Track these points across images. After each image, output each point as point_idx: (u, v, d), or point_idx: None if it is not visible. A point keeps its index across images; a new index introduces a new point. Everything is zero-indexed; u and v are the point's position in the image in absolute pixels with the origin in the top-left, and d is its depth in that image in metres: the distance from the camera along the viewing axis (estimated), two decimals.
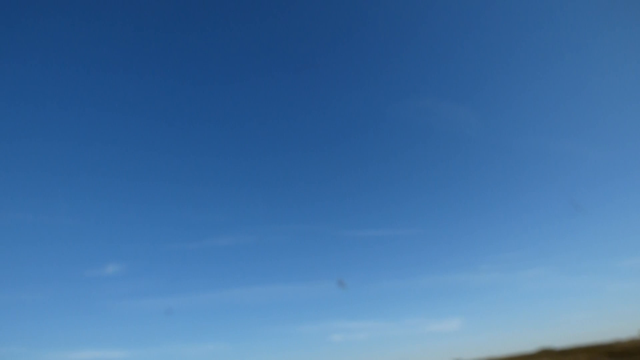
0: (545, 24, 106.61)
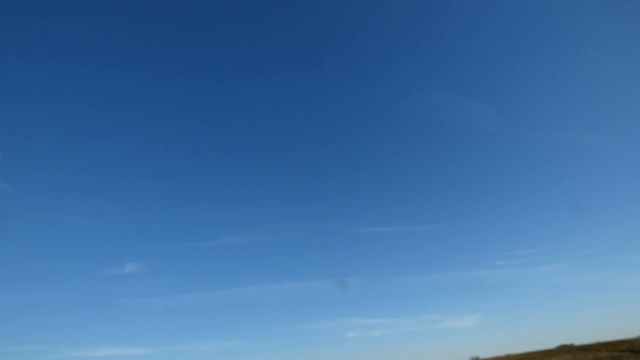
0: (560, 14, 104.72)
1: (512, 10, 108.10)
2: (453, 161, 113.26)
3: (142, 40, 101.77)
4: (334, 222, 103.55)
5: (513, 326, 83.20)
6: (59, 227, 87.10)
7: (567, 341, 60.69)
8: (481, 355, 65.72)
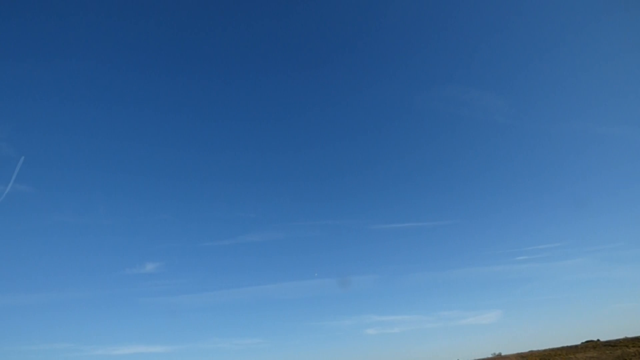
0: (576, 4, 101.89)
1: (526, 1, 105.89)
2: (470, 155, 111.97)
3: (158, 41, 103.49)
4: (351, 220, 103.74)
5: (536, 322, 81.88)
6: (81, 228, 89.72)
7: (592, 337, 59.32)
8: (503, 352, 64.83)
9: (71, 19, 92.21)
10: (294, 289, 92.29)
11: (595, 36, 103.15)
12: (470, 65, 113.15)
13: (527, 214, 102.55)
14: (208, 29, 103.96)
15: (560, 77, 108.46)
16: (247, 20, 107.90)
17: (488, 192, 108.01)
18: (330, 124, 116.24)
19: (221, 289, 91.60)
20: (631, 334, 58.39)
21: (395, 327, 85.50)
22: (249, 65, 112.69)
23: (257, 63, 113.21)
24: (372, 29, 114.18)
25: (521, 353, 62.38)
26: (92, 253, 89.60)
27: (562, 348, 58.24)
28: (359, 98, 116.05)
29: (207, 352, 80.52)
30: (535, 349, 63.37)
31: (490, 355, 65.94)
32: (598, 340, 58.47)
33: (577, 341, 61.27)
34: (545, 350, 60.18)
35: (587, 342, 59.42)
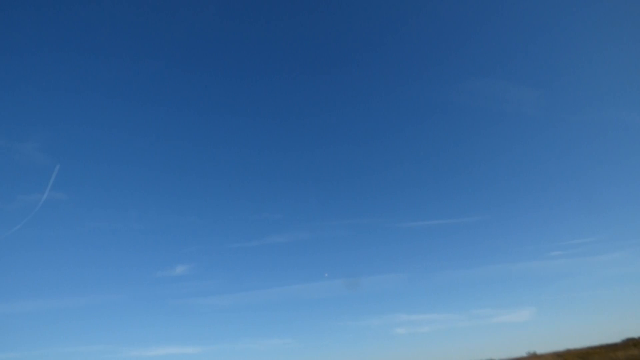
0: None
1: None
2: (498, 149, 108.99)
3: (192, 38, 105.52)
4: (377, 218, 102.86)
5: (572, 319, 78.90)
6: (114, 233, 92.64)
7: (633, 334, 56.76)
8: (538, 351, 63.01)
9: (108, 22, 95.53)
10: (321, 289, 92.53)
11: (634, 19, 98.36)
12: (496, 58, 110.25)
13: (560, 207, 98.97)
14: (247, 27, 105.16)
15: (591, 63, 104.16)
16: (283, 17, 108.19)
17: (518, 186, 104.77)
18: (356, 122, 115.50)
19: (249, 289, 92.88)
20: None
21: (425, 326, 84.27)
22: (279, 64, 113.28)
23: (288, 62, 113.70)
24: (400, 26, 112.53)
25: (557, 352, 60.46)
26: (125, 257, 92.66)
27: (601, 346, 56.10)
28: (385, 95, 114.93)
29: (237, 352, 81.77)
30: (572, 347, 61.27)
31: (524, 354, 64.22)
32: (637, 339, 55.99)
33: (617, 339, 58.81)
34: (583, 349, 58.11)
35: (627, 339, 57.01)
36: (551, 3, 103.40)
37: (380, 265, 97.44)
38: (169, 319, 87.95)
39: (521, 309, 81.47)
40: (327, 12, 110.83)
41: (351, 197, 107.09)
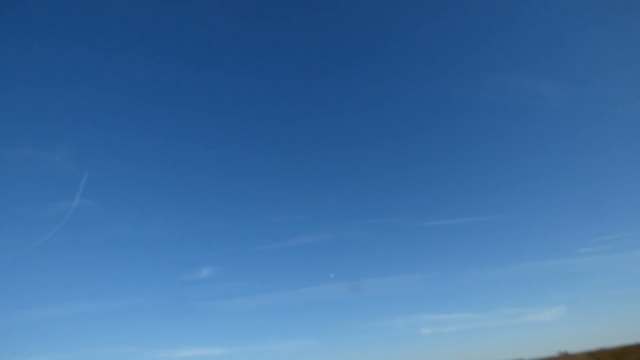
0: None
1: None
2: (523, 145, 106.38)
3: (212, 37, 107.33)
4: (400, 217, 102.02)
5: (604, 318, 76.35)
6: (141, 238, 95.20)
7: None
8: (570, 350, 61.16)
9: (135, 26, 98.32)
10: (345, 290, 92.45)
11: None
12: (518, 51, 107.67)
13: (588, 202, 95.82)
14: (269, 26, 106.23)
15: (616, 53, 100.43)
16: (306, 15, 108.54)
17: (544, 181, 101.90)
18: (376, 122, 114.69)
19: (273, 291, 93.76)
20: None
21: (451, 326, 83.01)
22: (299, 65, 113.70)
23: (307, 63, 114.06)
24: (421, 23, 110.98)
25: (590, 351, 58.57)
26: (151, 261, 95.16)
27: (637, 345, 54.09)
28: (404, 94, 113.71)
29: (262, 353, 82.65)
30: (605, 346, 59.21)
31: (555, 354, 62.45)
32: None
33: None
34: (617, 348, 56.14)
35: None
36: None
37: (404, 265, 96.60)
38: (195, 321, 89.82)
39: (550, 308, 79.37)
40: (349, 8, 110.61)
41: (373, 197, 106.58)
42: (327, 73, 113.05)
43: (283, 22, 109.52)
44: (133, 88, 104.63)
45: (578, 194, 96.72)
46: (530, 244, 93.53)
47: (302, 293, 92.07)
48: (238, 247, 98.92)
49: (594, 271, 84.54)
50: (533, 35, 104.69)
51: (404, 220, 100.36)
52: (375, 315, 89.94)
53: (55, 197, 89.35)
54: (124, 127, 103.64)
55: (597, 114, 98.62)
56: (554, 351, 64.06)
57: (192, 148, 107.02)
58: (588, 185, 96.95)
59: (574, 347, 63.13)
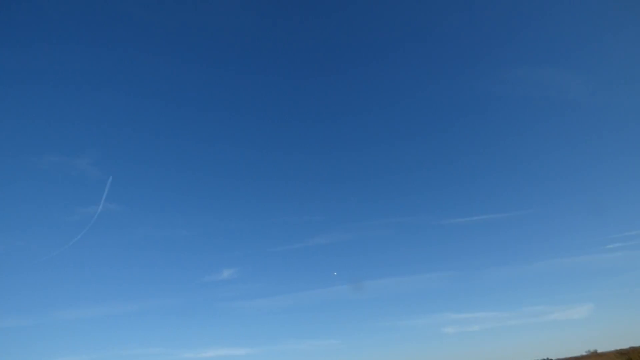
0: None
1: None
2: (546, 138, 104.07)
3: (230, 38, 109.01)
4: (420, 216, 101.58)
5: (635, 315, 74.06)
6: (164, 240, 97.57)
7: None
8: (599, 349, 59.59)
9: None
10: (367, 289, 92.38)
11: None
12: (536, 42, 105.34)
13: (615, 197, 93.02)
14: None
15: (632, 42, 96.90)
16: (326, 14, 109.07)
17: (569, 176, 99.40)
18: (396, 121, 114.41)
19: (294, 291, 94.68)
20: None
21: (475, 325, 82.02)
22: (315, 65, 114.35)
23: (322, 63, 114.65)
24: (442, 22, 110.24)
25: (620, 350, 56.94)
26: (175, 263, 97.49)
27: None
28: (425, 93, 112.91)
29: (285, 353, 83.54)
30: (636, 344, 57.40)
31: (584, 353, 60.98)
32: None
33: None
34: None
35: None
36: None
37: (426, 263, 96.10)
38: (218, 322, 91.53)
39: (578, 305, 77.56)
40: (375, 5, 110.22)
41: (392, 196, 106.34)
42: (348, 73, 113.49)
43: (307, 21, 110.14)
44: (154, 92, 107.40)
45: (605, 187, 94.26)
46: (556, 240, 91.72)
47: (322, 293, 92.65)
48: (258, 248, 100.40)
49: (623, 267, 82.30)
50: (547, 25, 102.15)
51: (424, 218, 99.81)
52: (397, 314, 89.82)
53: (81, 202, 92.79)
54: (146, 131, 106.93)
55: (620, 104, 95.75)
56: (582, 350, 62.60)
57: (213, 151, 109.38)
58: (616, 179, 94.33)
59: (604, 346, 61.48)
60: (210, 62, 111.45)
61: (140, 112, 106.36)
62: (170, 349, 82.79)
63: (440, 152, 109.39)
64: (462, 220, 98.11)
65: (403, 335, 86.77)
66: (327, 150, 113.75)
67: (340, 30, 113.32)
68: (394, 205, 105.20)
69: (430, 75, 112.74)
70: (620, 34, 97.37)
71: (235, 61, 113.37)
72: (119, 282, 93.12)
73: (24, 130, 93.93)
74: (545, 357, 66.45)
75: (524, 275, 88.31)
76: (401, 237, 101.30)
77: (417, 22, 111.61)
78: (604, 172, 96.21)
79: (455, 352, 79.47)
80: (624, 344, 59.08)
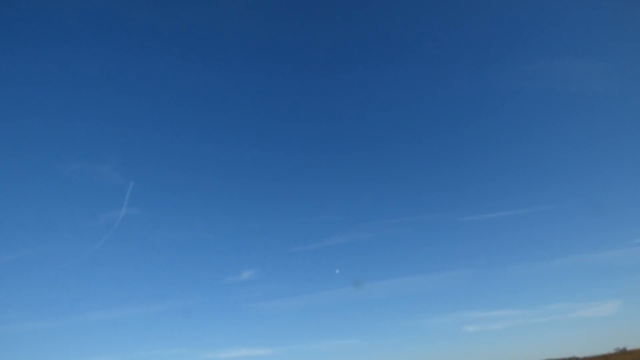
0: None
1: None
2: (566, 132, 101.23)
3: (232, 38, 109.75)
4: (438, 213, 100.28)
5: None
6: (185, 243, 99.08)
7: None
8: (628, 346, 57.81)
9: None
10: (386, 288, 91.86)
11: None
12: (554, 32, 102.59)
13: None
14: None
15: None
16: (340, 13, 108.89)
17: (593, 169, 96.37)
18: (413, 119, 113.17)
19: (314, 291, 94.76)
20: None
21: (498, 323, 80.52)
22: (332, 64, 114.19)
23: (340, 62, 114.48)
24: (462, 19, 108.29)
25: None
26: (195, 264, 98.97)
27: None
28: (439, 91, 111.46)
29: (306, 353, 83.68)
30: None
31: (612, 351, 59.24)
32: None
33: None
34: None
35: None
36: None
37: (446, 261, 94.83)
38: (239, 322, 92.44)
39: (605, 302, 75.33)
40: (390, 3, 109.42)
41: (410, 194, 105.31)
42: (364, 72, 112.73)
43: (319, 21, 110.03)
44: (173, 97, 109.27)
45: (631, 180, 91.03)
46: (581, 235, 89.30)
47: (343, 292, 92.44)
48: (277, 249, 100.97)
49: None
50: (566, 14, 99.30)
51: (442, 216, 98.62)
52: (417, 313, 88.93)
53: (104, 207, 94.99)
54: (165, 136, 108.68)
55: None
56: (610, 347, 60.80)
57: (231, 153, 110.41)
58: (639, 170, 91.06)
59: (633, 343, 59.56)
60: (227, 66, 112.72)
61: (159, 117, 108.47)
62: (192, 349, 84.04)
63: (457, 149, 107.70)
64: (481, 217, 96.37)
65: (424, 334, 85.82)
66: (344, 150, 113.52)
67: (367, 25, 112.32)
68: (412, 204, 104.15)
69: (446, 72, 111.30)
70: None
71: (249, 64, 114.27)
72: (141, 285, 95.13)
73: (50, 138, 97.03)
74: (572, 355, 64.82)
75: (547, 271, 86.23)
76: (420, 235, 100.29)
77: (440, 17, 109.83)
78: (630, 165, 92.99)
79: (477, 350, 78.20)
80: None
